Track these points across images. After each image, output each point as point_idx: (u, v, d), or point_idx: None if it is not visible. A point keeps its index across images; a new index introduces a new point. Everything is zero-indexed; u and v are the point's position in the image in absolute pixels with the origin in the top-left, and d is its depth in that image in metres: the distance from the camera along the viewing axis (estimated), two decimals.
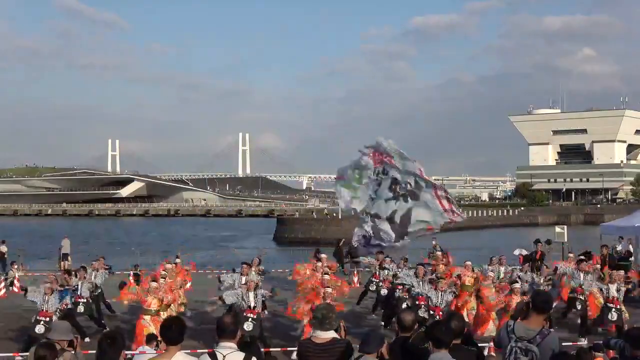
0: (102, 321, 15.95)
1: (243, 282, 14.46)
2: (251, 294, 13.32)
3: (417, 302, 13.78)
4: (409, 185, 13.52)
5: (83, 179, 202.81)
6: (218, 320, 5.88)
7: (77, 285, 15.50)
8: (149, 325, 12.76)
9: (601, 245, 22.59)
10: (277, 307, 18.60)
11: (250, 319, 12.88)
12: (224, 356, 5.57)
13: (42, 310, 13.04)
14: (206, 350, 6.12)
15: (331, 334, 6.29)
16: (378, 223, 13.52)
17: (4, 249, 30.21)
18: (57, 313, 13.31)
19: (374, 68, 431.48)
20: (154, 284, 13.52)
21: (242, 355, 5.65)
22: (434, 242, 25.98)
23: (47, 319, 12.87)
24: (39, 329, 12.76)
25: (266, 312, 17.12)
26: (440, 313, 13.16)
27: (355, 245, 14.52)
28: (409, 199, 13.48)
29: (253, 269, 16.65)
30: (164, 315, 13.06)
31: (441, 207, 13.38)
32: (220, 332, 5.74)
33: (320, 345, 6.20)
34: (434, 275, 15.03)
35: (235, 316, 6.55)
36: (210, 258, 36.22)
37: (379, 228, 13.49)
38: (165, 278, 15.00)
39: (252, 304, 13.21)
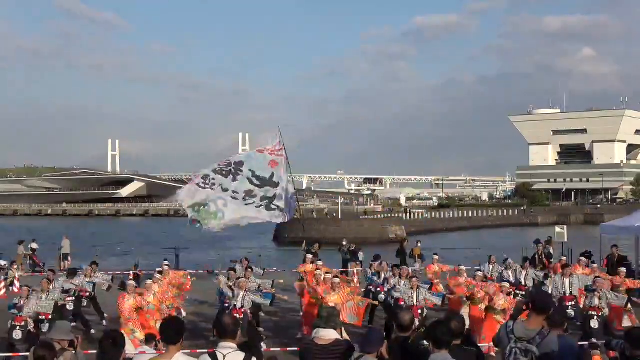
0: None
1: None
2: (241, 294, 13.34)
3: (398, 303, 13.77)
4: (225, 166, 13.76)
5: (83, 179, 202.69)
6: (219, 321, 5.89)
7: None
8: (127, 324, 12.78)
9: (611, 246, 22.40)
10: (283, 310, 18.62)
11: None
12: (224, 356, 5.59)
13: (18, 315, 12.91)
14: (206, 351, 6.12)
15: (333, 335, 6.32)
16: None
17: (34, 246, 30.39)
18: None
19: (374, 68, 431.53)
20: (131, 283, 13.75)
21: (242, 355, 5.66)
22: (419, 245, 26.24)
23: (23, 323, 12.84)
24: (17, 334, 12.71)
25: (262, 314, 17.12)
26: (418, 312, 12.92)
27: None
28: (241, 169, 13.73)
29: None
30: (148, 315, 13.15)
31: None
32: (220, 332, 5.76)
33: (323, 346, 6.22)
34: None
35: (235, 317, 6.56)
36: (210, 258, 36.20)
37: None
38: (154, 280, 14.96)
39: (239, 304, 13.21)
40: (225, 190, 13.22)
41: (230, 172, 13.38)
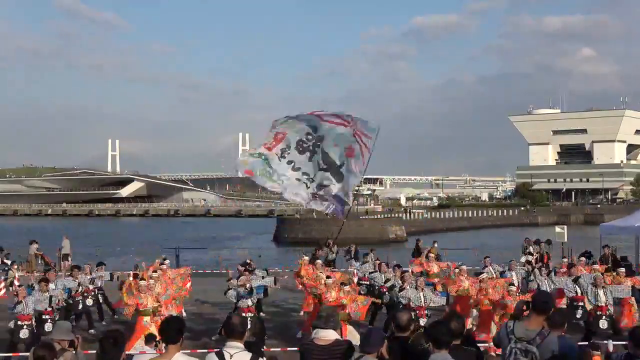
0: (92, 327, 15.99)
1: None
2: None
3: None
4: (309, 137, 11.68)
5: (83, 179, 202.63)
6: (226, 321, 5.94)
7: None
8: (150, 325, 12.73)
9: (603, 246, 22.46)
10: (282, 308, 18.63)
11: (249, 318, 12.91)
12: (231, 355, 5.62)
13: (22, 314, 12.86)
14: (207, 350, 6.15)
15: (333, 335, 6.32)
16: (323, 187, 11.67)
17: (34, 247, 30.32)
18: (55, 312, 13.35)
19: (374, 68, 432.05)
20: (143, 282, 13.49)
21: (249, 355, 5.69)
22: (435, 245, 26.17)
23: (29, 322, 12.80)
24: (24, 333, 12.69)
25: (262, 314, 17.15)
26: (424, 313, 13.04)
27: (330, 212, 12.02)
28: (319, 144, 11.58)
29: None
30: (165, 313, 13.04)
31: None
32: (228, 332, 5.80)
33: (323, 347, 6.21)
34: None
35: (243, 317, 6.58)
36: (210, 258, 36.23)
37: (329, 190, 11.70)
38: (154, 279, 14.94)
39: (250, 302, 13.40)
40: (296, 169, 11.65)
41: (307, 148, 11.68)
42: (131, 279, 15.01)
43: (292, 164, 11.71)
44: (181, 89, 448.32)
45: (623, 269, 16.47)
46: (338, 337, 6.40)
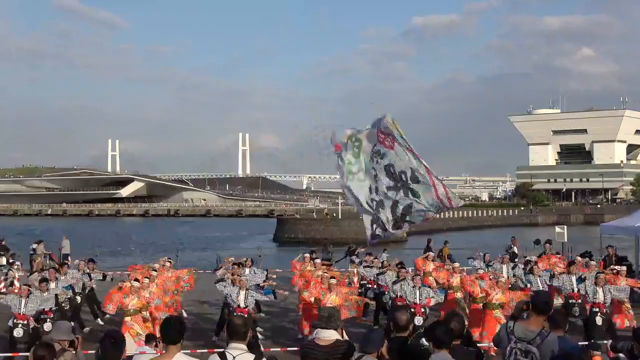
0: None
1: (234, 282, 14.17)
2: (242, 293, 13.31)
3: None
4: (403, 177, 10.11)
5: (83, 179, 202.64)
6: (229, 322, 5.94)
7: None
8: (132, 325, 12.66)
9: (607, 246, 22.42)
10: (279, 308, 18.64)
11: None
12: (234, 357, 5.61)
13: (19, 313, 12.80)
14: (207, 350, 6.13)
15: (334, 335, 6.32)
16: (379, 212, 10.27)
17: (34, 246, 30.27)
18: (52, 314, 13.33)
19: (374, 68, 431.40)
20: (136, 284, 13.38)
21: (252, 356, 5.68)
22: (446, 246, 26.10)
23: (25, 321, 12.73)
24: (18, 332, 12.62)
25: (262, 314, 17.13)
26: (422, 310, 13.02)
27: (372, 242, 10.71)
28: (409, 194, 10.07)
29: (247, 269, 16.55)
30: (145, 314, 12.98)
31: (436, 197, 9.70)
32: (231, 333, 5.79)
33: (324, 347, 6.21)
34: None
35: (245, 318, 6.56)
36: (210, 258, 36.22)
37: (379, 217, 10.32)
38: (150, 278, 14.87)
39: (242, 304, 13.15)
40: (375, 178, 10.17)
41: (393, 177, 10.09)
42: (128, 283, 14.91)
43: (374, 171, 10.32)
44: (181, 89, 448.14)
45: (624, 268, 16.43)
46: (339, 337, 6.41)
